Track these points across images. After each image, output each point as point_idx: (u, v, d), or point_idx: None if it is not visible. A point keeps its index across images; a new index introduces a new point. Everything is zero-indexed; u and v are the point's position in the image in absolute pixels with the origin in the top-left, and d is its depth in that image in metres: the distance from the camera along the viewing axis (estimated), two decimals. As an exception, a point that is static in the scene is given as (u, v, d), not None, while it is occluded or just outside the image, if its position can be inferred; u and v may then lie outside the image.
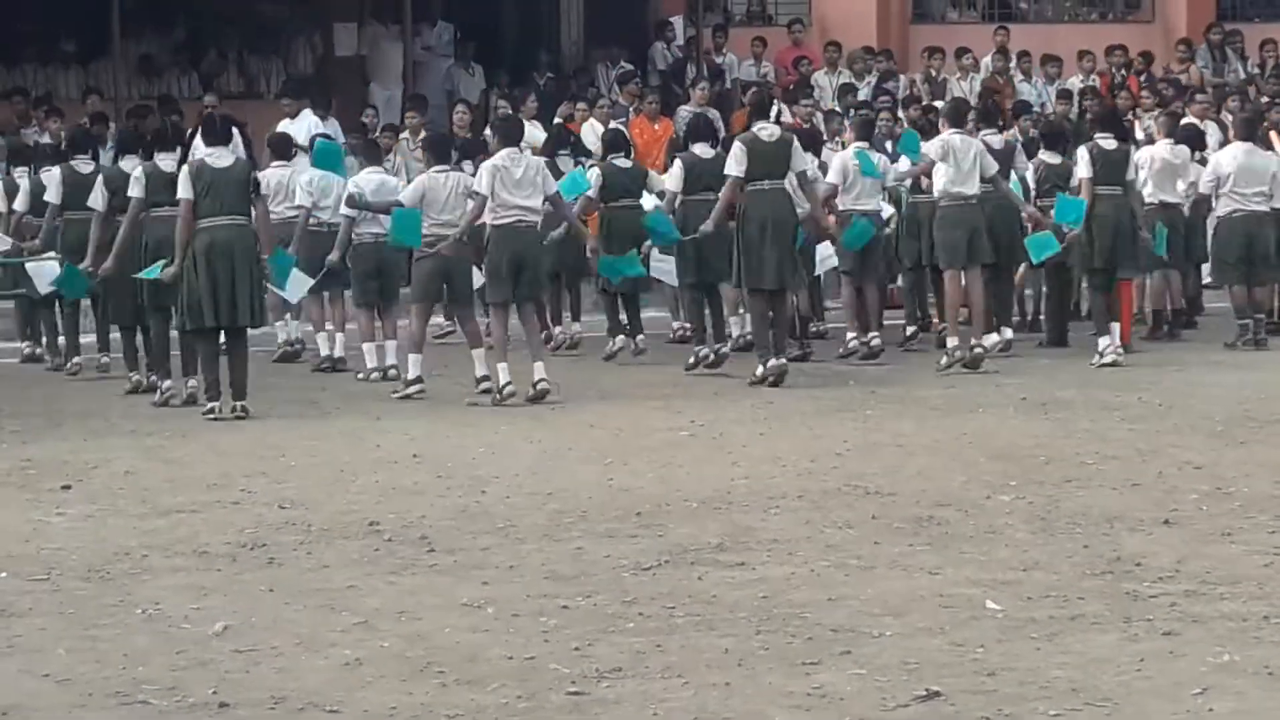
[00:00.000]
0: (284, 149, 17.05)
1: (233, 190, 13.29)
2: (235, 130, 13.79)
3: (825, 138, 20.97)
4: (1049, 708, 6.41)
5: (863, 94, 23.42)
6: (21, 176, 16.69)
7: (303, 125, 20.81)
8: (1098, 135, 15.83)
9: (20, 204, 16.39)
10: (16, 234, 16.35)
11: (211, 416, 13.15)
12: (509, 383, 13.62)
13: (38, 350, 17.05)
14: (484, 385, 13.92)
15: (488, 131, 19.27)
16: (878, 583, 8.18)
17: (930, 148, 15.38)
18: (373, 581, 8.37)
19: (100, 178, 14.60)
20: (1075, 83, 23.93)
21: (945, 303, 15.63)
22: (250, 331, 13.74)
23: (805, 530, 9.25)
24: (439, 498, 10.25)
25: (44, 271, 15.07)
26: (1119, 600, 7.81)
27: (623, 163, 16.54)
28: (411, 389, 14.07)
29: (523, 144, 14.27)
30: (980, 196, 15.27)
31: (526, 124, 20.40)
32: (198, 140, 13.88)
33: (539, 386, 13.62)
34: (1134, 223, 15.71)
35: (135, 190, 13.75)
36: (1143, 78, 24.18)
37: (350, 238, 15.37)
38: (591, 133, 21.10)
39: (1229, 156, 16.94)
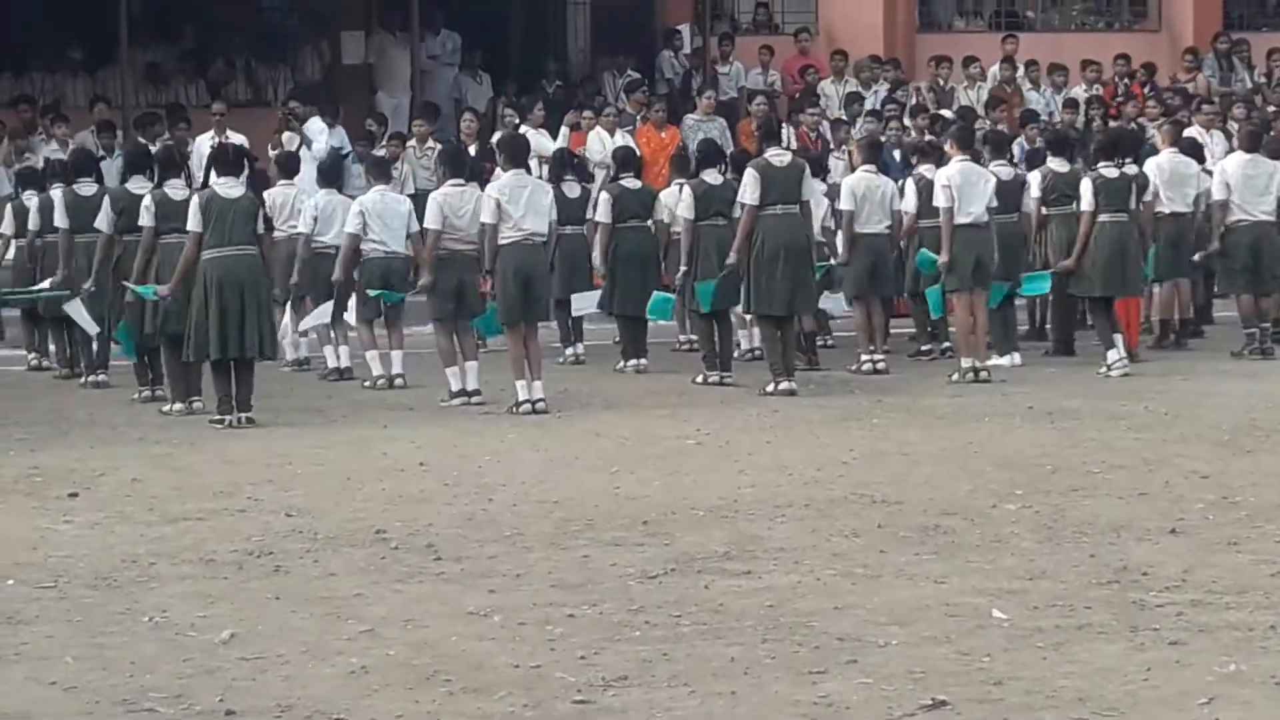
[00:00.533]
0: (290, 168, 17.09)
1: (241, 221, 13.31)
2: (247, 161, 13.81)
3: (832, 146, 21.02)
4: (1055, 717, 6.41)
5: (869, 103, 23.41)
6: (31, 198, 16.70)
7: (310, 133, 20.84)
8: (1100, 164, 15.82)
9: (33, 223, 16.40)
10: (31, 258, 16.35)
11: (219, 426, 13.17)
12: (527, 399, 13.63)
13: (44, 362, 17.04)
14: (460, 399, 14.09)
15: (496, 136, 19.36)
16: (884, 591, 8.18)
17: (943, 180, 15.35)
18: (379, 589, 8.37)
19: (107, 199, 14.62)
20: (1080, 92, 23.92)
21: (956, 325, 15.62)
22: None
23: (811, 539, 9.25)
24: (445, 506, 10.25)
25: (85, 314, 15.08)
26: (1125, 609, 7.81)
27: (632, 184, 16.54)
28: (455, 401, 14.09)
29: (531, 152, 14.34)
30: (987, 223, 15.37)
31: (533, 133, 20.54)
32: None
33: (539, 405, 13.65)
34: (1138, 247, 15.80)
35: (145, 220, 13.75)
36: (1147, 88, 24.17)
37: (351, 256, 15.32)
38: (598, 141, 21.12)
39: (1234, 165, 16.94)
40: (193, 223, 13.29)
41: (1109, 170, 15.75)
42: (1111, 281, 15.66)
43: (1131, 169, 16.10)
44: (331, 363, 16.00)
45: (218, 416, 13.27)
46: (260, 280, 13.48)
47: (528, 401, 13.65)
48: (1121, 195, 15.75)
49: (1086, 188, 15.75)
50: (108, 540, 9.52)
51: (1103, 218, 15.67)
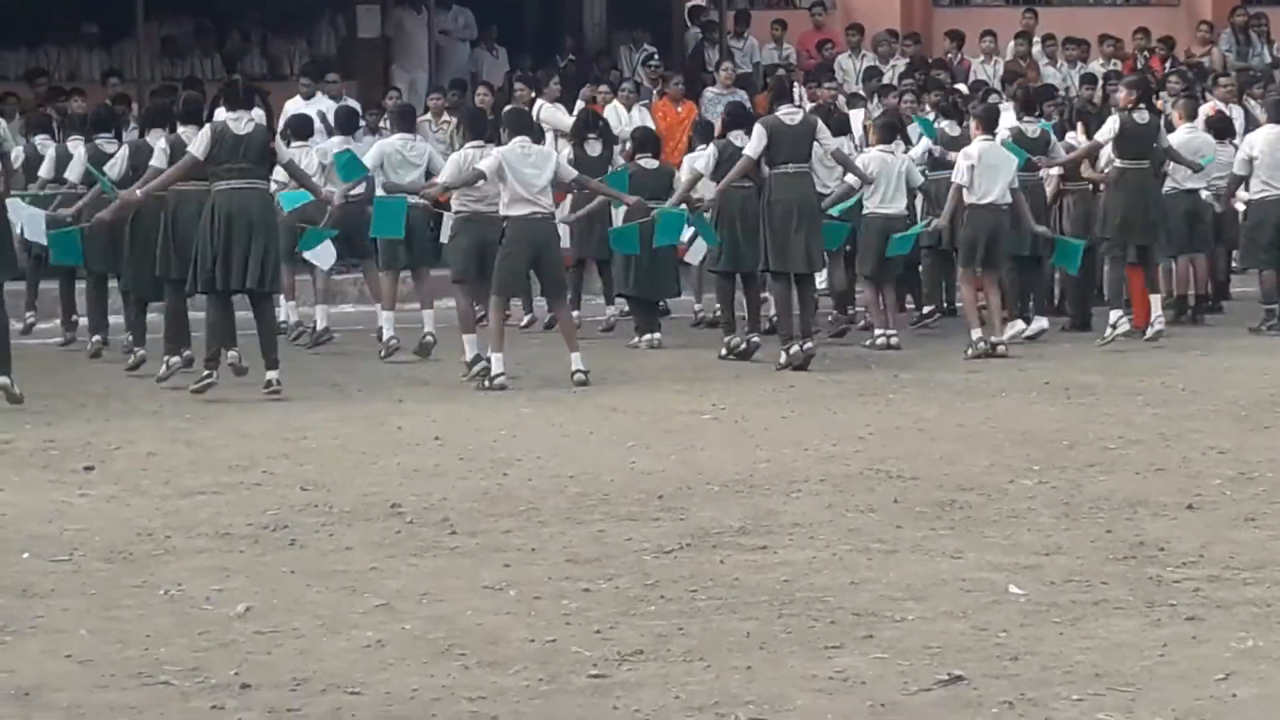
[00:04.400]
0: (304, 130, 17.03)
1: (252, 154, 13.26)
2: (256, 96, 13.77)
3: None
4: (1071, 692, 6.40)
5: (887, 77, 23.35)
6: (47, 145, 16.68)
7: (315, 108, 20.77)
8: (1134, 109, 15.63)
9: (45, 170, 16.40)
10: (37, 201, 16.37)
11: (203, 385, 13.10)
12: (501, 372, 13.59)
13: (28, 320, 16.90)
14: (479, 365, 13.91)
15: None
16: (900, 566, 8.17)
17: (966, 157, 15.30)
18: (394, 563, 8.37)
19: (125, 149, 14.70)
20: (1098, 67, 23.84)
21: (964, 297, 15.62)
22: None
23: (827, 514, 9.24)
24: (461, 480, 10.25)
25: (35, 218, 14.84)
26: (1142, 585, 7.79)
27: (650, 163, 16.49)
28: (475, 369, 13.99)
29: (544, 125, 14.30)
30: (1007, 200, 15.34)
31: (549, 106, 20.51)
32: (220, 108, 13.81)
33: (577, 377, 13.63)
34: (1159, 196, 15.75)
35: (158, 160, 13.74)
36: (1167, 63, 24.07)
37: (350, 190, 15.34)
38: (614, 115, 21.06)
39: (1260, 139, 16.84)
40: (197, 147, 13.20)
41: (1140, 115, 15.60)
42: (1130, 228, 15.55)
43: (1156, 119, 16.01)
44: (321, 325, 16.03)
45: (204, 374, 13.18)
46: (269, 214, 13.49)
47: (501, 374, 13.57)
48: (1146, 142, 15.64)
49: (1111, 124, 15.52)
50: (123, 514, 9.52)
51: (1123, 163, 15.56)
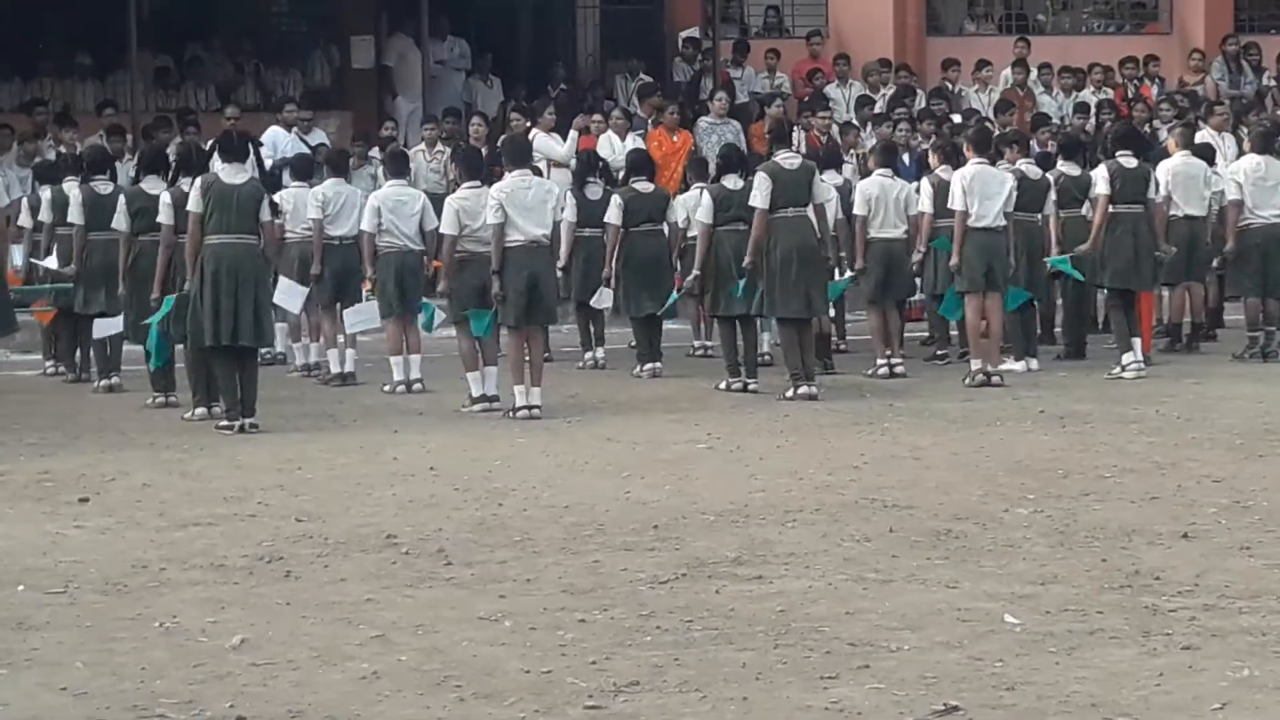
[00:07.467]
0: (304, 168, 17.04)
1: (243, 208, 13.23)
2: (251, 147, 13.76)
3: (842, 149, 20.97)
4: (1068, 722, 6.40)
5: (878, 106, 23.40)
6: (44, 190, 16.71)
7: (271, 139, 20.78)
8: (1119, 153, 15.81)
9: (45, 215, 16.40)
10: (45, 250, 16.34)
11: (229, 433, 13.11)
12: (525, 405, 13.60)
13: (60, 368, 16.97)
14: (481, 404, 13.99)
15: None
16: (895, 596, 8.16)
17: (960, 181, 15.28)
18: (390, 595, 8.36)
19: (122, 199, 14.69)
20: (1089, 95, 23.90)
21: (967, 327, 15.61)
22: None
23: (823, 543, 9.24)
24: (456, 510, 10.24)
25: (107, 325, 15.08)
26: (1138, 614, 7.79)
27: (644, 187, 16.51)
28: (477, 407, 14.02)
29: (536, 157, 14.31)
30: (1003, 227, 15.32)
31: (544, 136, 20.55)
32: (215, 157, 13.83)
33: (534, 411, 13.61)
34: (1152, 240, 15.81)
35: (165, 217, 13.74)
36: (1155, 89, 24.11)
37: (373, 254, 15.31)
38: (608, 145, 21.09)
39: (1247, 167, 16.88)
40: (192, 203, 13.21)
41: (1127, 160, 15.72)
42: (1123, 273, 15.63)
43: (1145, 164, 16.08)
44: (335, 368, 15.93)
45: (226, 423, 13.22)
46: (259, 268, 13.41)
47: (525, 407, 13.60)
48: (1139, 186, 15.73)
49: (1102, 174, 15.67)
50: (118, 545, 9.52)
51: (1119, 208, 15.65)
